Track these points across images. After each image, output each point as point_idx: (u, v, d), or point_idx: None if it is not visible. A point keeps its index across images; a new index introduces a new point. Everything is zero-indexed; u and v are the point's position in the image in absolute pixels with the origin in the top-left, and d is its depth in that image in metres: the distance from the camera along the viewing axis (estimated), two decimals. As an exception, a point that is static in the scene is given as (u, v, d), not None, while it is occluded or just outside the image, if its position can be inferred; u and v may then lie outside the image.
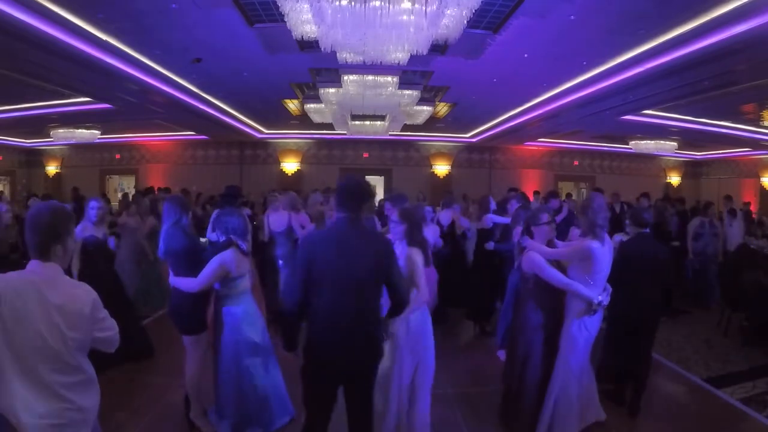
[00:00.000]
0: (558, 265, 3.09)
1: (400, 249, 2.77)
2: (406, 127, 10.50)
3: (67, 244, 1.74)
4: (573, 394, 2.98)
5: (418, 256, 2.79)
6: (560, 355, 3.00)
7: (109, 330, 1.81)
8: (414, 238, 2.86)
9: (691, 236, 6.92)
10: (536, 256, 3.03)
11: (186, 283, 2.96)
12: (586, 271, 2.93)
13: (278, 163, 14.05)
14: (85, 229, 4.12)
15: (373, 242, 2.28)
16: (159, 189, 10.53)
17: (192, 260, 3.06)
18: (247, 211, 7.54)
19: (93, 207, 4.19)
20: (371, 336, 2.26)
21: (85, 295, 1.73)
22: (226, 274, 2.94)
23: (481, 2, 4.11)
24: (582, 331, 2.97)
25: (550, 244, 3.17)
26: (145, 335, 4.52)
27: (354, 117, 9.25)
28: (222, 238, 3.07)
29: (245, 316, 3.04)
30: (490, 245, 5.17)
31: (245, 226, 3.15)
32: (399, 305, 2.37)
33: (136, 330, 4.40)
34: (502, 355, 4.57)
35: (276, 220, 5.39)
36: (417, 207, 4.46)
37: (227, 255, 2.94)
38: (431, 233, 4.59)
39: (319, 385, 2.27)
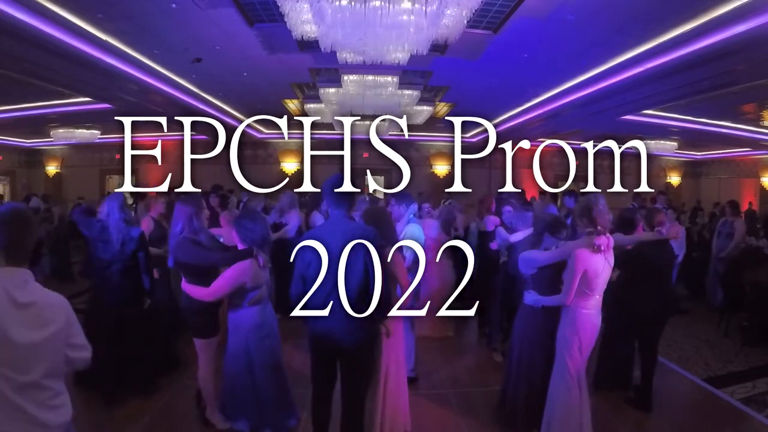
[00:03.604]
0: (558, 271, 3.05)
1: None
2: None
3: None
4: (574, 401, 2.89)
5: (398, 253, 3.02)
6: (557, 360, 2.94)
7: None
8: (384, 236, 2.95)
9: (715, 234, 6.83)
10: (527, 254, 3.02)
11: (198, 292, 2.85)
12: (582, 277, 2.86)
13: (278, 163, 14.04)
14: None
15: (359, 235, 2.42)
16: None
17: (202, 271, 2.93)
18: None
19: None
20: (356, 320, 2.41)
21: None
22: (241, 285, 2.81)
23: (481, 2, 4.13)
24: (576, 335, 2.88)
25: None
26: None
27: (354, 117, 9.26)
28: (242, 246, 2.93)
29: (254, 326, 2.90)
30: (493, 245, 5.14)
31: (268, 235, 3.01)
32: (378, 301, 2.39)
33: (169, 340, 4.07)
34: (497, 356, 4.59)
35: (320, 220, 5.41)
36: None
37: (245, 266, 2.81)
38: (430, 228, 4.88)
39: (315, 361, 2.59)
